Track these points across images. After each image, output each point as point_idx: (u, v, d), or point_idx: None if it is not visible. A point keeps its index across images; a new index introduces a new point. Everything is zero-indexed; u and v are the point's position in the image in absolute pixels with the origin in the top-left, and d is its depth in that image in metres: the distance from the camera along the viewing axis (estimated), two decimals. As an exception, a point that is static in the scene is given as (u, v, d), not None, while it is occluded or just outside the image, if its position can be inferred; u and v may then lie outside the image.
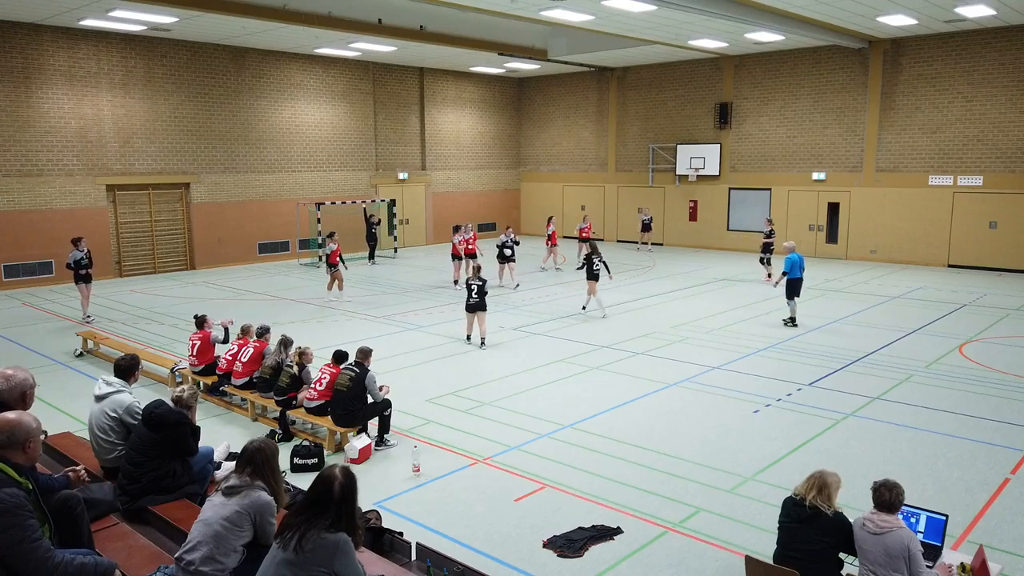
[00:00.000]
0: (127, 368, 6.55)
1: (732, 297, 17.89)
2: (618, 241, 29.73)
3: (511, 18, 18.87)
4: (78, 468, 5.11)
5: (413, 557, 5.26)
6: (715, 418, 9.57)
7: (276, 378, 9.31)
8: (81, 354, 12.92)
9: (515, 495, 7.39)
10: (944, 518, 5.22)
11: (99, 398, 6.37)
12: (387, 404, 8.69)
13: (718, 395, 10.51)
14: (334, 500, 3.84)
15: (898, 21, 19.61)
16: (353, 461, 8.07)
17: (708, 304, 16.97)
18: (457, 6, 17.21)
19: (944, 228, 22.51)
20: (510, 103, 32.46)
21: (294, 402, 9.10)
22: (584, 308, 15.98)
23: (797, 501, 5.05)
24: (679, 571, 6.02)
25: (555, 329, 14.58)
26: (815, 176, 24.62)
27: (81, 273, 15.12)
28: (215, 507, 4.30)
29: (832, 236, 24.64)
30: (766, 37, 21.82)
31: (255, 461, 4.41)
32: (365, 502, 5.43)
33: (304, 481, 6.04)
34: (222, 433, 8.87)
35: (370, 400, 8.62)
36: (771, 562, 5.07)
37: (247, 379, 9.78)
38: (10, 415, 4.17)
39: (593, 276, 15.42)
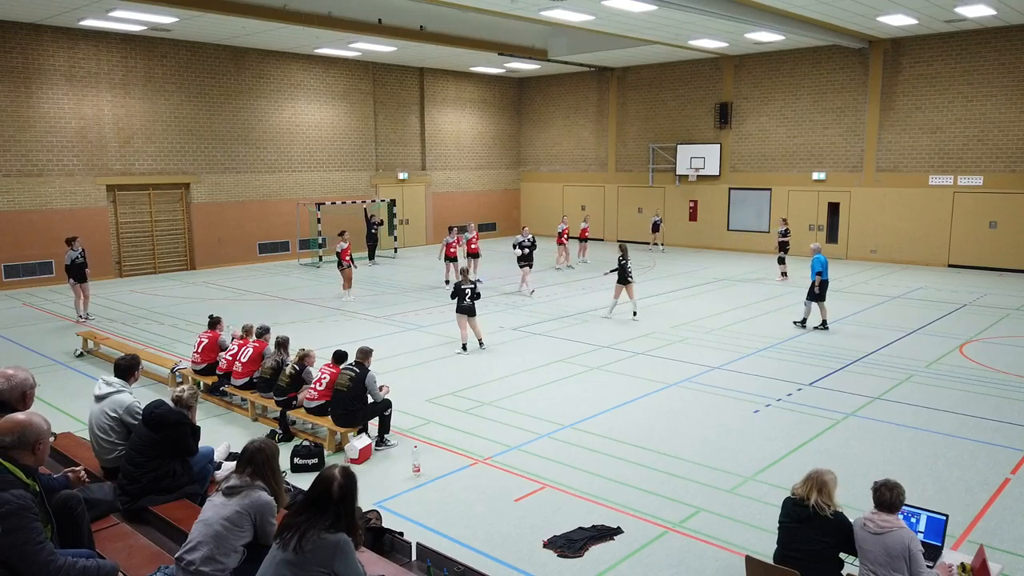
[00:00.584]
0: (127, 368, 6.55)
1: (732, 297, 17.89)
2: (618, 241, 29.70)
3: (511, 18, 18.87)
4: (78, 469, 5.11)
5: (413, 557, 5.26)
6: (715, 418, 9.57)
7: (276, 378, 9.31)
8: (81, 354, 12.93)
9: (515, 495, 7.38)
10: (944, 518, 5.22)
11: (99, 398, 6.37)
12: (387, 404, 8.69)
13: (718, 395, 10.51)
14: (334, 500, 3.84)
15: (898, 21, 19.61)
16: (353, 461, 8.07)
17: (708, 304, 16.97)
18: (457, 6, 17.21)
19: (944, 228, 22.51)
20: (510, 103, 32.45)
21: (294, 402, 9.10)
22: (635, 315, 15.36)
23: (797, 501, 5.05)
24: (679, 571, 6.02)
25: (555, 329, 14.58)
26: (815, 176, 24.62)
27: (77, 272, 15.14)
28: (215, 507, 4.30)
29: (832, 236, 24.63)
30: (766, 37, 21.82)
31: (255, 461, 4.41)
32: (365, 502, 5.43)
33: (304, 481, 6.04)
34: (222, 433, 8.87)
35: (370, 400, 8.62)
36: (771, 562, 5.07)
37: (247, 379, 9.78)
38: (20, 416, 4.12)
39: (624, 279, 15.11)
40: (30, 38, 19.32)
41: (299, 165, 25.41)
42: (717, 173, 26.79)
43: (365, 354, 8.80)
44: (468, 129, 30.89)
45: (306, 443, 8.37)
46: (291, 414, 9.07)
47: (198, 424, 6.32)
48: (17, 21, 18.95)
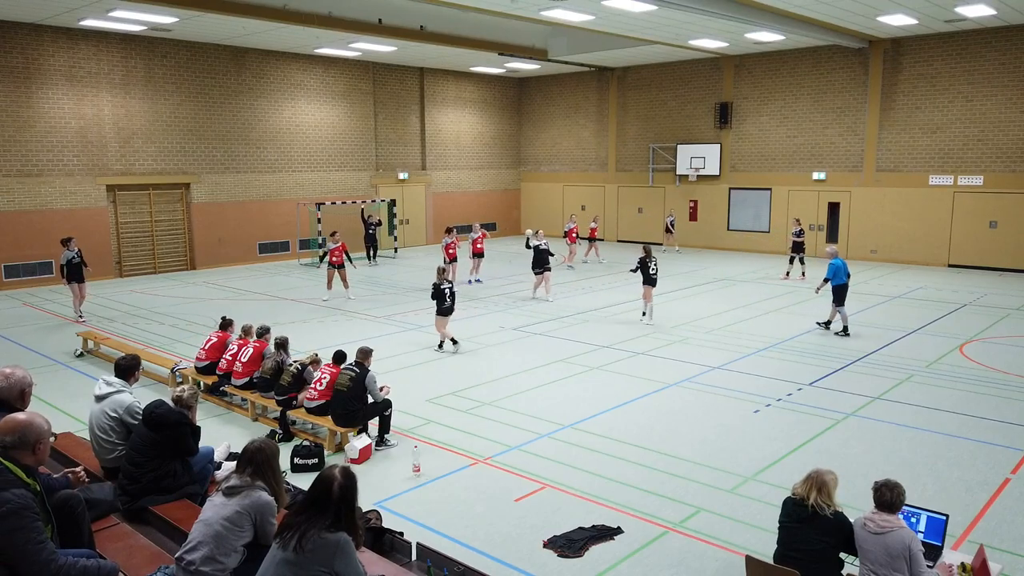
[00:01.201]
0: (127, 368, 6.55)
1: (732, 297, 17.88)
2: (618, 241, 29.73)
3: (511, 18, 18.87)
4: (78, 469, 5.10)
5: (413, 557, 5.26)
6: (715, 418, 9.57)
7: (276, 378, 9.32)
8: (81, 354, 12.93)
9: (515, 495, 7.38)
10: (944, 518, 5.22)
11: (99, 398, 6.37)
12: (387, 404, 8.69)
13: (718, 395, 10.51)
14: (334, 500, 3.84)
15: (898, 21, 19.61)
16: (353, 461, 8.07)
17: (708, 304, 16.96)
18: (457, 6, 17.21)
19: (944, 228, 22.51)
20: (510, 103, 32.45)
21: (294, 402, 9.10)
22: (644, 315, 15.10)
23: (797, 501, 5.04)
24: (679, 571, 6.02)
25: (555, 329, 14.58)
26: (815, 176, 24.61)
27: (75, 273, 15.14)
28: (215, 507, 4.30)
29: (832, 236, 24.62)
30: (766, 37, 21.82)
31: (256, 461, 4.41)
32: (365, 502, 5.44)
33: (304, 481, 6.04)
34: (222, 433, 8.87)
35: (370, 400, 8.62)
36: (771, 562, 5.07)
37: (247, 379, 9.78)
38: (21, 416, 4.12)
39: (650, 281, 14.85)
40: (30, 38, 19.32)
41: (299, 165, 25.41)
42: (717, 173, 26.79)
43: (365, 354, 8.80)
44: (468, 129, 30.89)
45: (306, 443, 8.37)
46: (291, 414, 9.07)
47: (198, 424, 6.32)
48: (17, 21, 18.95)
